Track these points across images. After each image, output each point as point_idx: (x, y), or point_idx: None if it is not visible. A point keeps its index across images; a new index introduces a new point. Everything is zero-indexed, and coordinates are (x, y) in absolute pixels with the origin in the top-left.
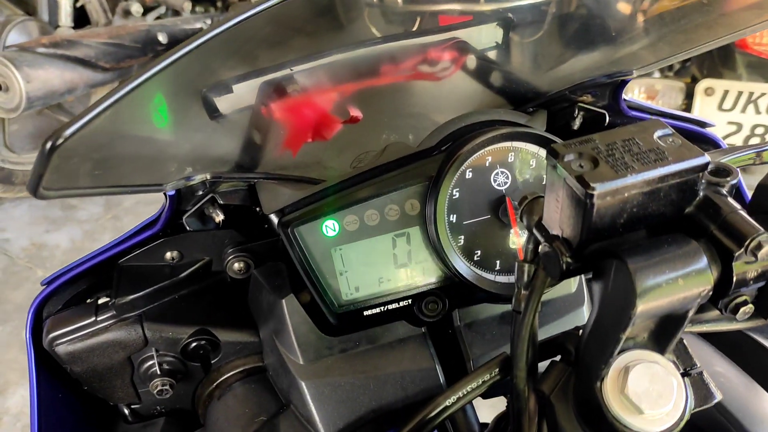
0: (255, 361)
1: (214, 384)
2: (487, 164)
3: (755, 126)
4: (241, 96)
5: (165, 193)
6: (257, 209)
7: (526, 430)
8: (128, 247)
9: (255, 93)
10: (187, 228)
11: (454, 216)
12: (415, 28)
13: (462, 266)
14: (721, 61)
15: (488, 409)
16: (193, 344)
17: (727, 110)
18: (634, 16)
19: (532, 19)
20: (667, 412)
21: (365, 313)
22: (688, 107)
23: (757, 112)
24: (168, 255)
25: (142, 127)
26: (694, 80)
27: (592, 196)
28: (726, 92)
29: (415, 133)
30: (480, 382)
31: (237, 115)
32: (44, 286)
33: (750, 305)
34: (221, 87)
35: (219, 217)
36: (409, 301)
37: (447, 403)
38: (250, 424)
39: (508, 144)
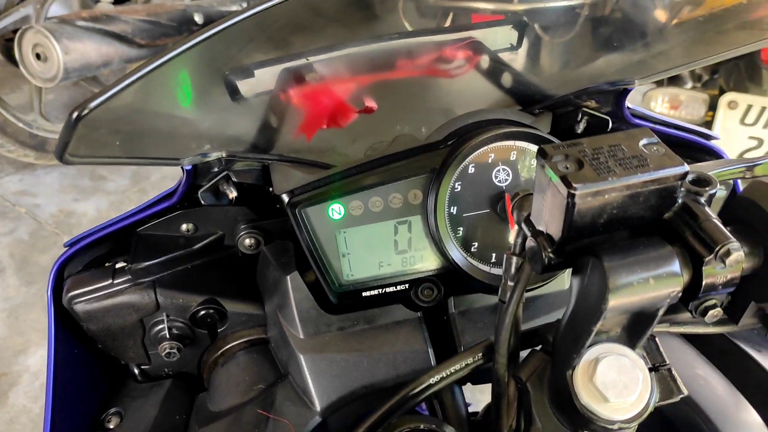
0: (259, 333)
1: (220, 351)
2: (490, 161)
3: None
4: (262, 81)
5: (182, 168)
6: (269, 189)
7: (503, 414)
8: (147, 217)
9: (275, 78)
10: (202, 202)
11: (455, 208)
12: (447, 24)
13: (458, 256)
14: (747, 76)
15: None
16: (202, 312)
17: (749, 125)
18: (637, 29)
19: (546, 23)
20: (631, 402)
21: (364, 294)
22: (711, 119)
23: None
24: (184, 227)
25: (164, 103)
26: (722, 92)
27: (573, 195)
28: (749, 107)
29: (428, 126)
30: (463, 365)
31: (256, 98)
32: (67, 248)
33: (718, 309)
34: (244, 71)
35: (232, 193)
36: (407, 285)
37: (431, 381)
38: (249, 391)
39: (511, 143)
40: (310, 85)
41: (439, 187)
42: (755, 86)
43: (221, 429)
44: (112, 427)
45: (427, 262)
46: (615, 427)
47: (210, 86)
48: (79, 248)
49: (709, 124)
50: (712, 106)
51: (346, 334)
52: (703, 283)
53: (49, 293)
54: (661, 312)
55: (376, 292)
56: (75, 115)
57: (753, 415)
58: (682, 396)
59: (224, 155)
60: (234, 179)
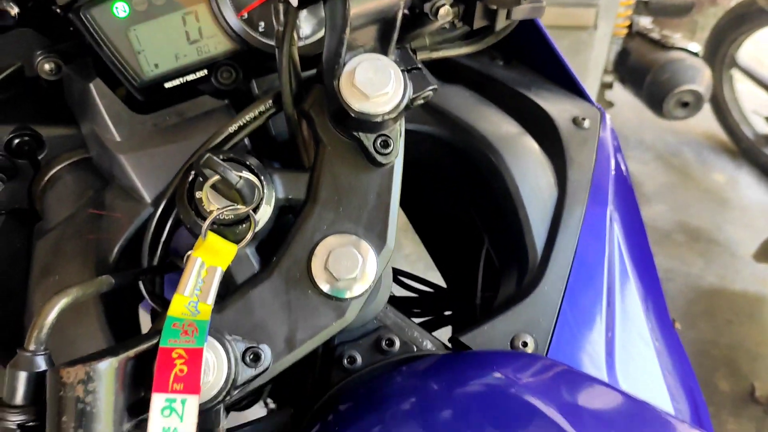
0: (81, 154)
1: (46, 178)
2: None
3: None
4: None
5: None
6: (54, 7)
7: (302, 150)
8: None
9: None
10: None
11: None
12: None
13: (248, 36)
14: None
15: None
16: (17, 140)
17: None
18: None
19: None
20: (389, 95)
21: (166, 85)
22: None
23: None
24: None
25: None
26: None
27: None
28: None
29: None
30: (257, 113)
31: None
32: None
33: (447, 8)
34: None
35: (14, 10)
36: (206, 71)
37: (230, 130)
38: (80, 199)
39: None
40: None
41: None
42: None
43: (57, 236)
44: None
45: (221, 47)
46: (380, 119)
47: None
48: None
49: None
50: None
51: (161, 129)
52: None
53: None
54: (399, 14)
55: (177, 81)
56: None
57: (531, 141)
58: (433, 88)
59: None
60: None
